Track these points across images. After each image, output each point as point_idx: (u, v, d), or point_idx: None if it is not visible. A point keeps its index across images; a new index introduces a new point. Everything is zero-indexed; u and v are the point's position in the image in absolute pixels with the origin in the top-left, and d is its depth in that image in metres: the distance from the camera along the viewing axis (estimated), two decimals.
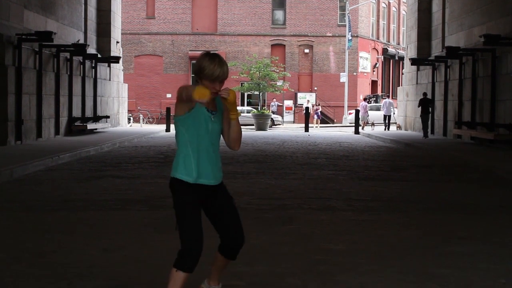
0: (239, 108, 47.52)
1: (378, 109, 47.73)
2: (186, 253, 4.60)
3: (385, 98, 43.53)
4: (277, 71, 45.78)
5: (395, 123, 39.44)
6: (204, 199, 4.75)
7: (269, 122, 42.67)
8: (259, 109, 43.60)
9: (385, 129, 37.46)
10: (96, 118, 30.44)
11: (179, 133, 4.72)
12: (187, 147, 4.67)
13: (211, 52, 4.71)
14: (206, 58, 4.62)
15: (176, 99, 4.67)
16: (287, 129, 44.39)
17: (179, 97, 4.60)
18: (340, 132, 38.95)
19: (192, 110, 4.63)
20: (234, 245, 4.87)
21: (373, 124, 41.47)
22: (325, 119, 53.34)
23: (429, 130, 29.44)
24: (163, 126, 38.57)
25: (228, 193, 4.88)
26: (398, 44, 65.30)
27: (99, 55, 31.17)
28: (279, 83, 46.70)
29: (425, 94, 29.87)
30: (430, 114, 29.34)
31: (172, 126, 39.53)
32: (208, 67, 4.56)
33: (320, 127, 45.26)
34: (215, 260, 5.02)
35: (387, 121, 38.01)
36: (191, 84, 57.25)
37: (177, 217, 4.67)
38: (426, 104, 28.87)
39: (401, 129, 37.44)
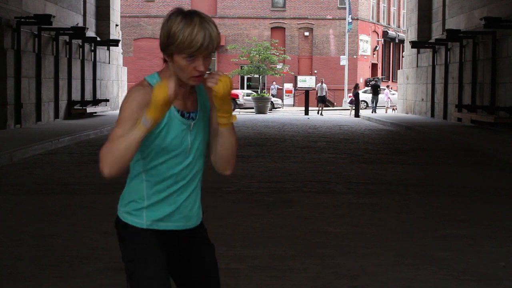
0: (238, 91, 47.16)
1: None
2: None
3: (385, 89, 43.62)
4: (277, 54, 45.67)
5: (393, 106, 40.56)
6: (169, 248, 2.93)
7: (269, 105, 42.59)
8: (259, 92, 43.53)
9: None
10: (96, 102, 30.39)
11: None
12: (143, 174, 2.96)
13: (186, 10, 2.70)
14: (177, 18, 2.64)
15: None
16: (287, 112, 44.32)
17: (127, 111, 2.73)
18: (340, 115, 38.92)
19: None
20: None
21: (394, 109, 41.58)
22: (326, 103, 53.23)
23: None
24: None
25: (208, 240, 3.02)
26: (399, 27, 65.09)
27: (98, 38, 31.06)
28: (279, 66, 46.60)
29: (375, 79, 32.62)
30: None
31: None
32: (182, 33, 2.61)
33: (325, 110, 44.05)
34: None
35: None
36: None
37: (129, 272, 2.88)
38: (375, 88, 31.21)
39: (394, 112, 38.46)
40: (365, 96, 50.09)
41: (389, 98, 41.81)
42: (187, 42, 2.60)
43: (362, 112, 38.28)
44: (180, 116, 2.78)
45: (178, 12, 2.66)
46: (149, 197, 2.88)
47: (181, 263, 2.96)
